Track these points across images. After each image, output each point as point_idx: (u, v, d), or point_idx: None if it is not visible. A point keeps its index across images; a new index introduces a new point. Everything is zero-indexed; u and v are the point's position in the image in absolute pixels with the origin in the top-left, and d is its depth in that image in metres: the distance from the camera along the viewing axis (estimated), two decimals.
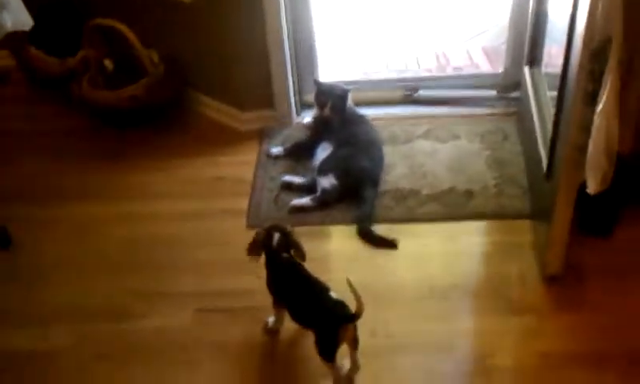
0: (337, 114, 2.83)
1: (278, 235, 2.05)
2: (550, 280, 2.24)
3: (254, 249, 2.07)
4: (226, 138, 3.06)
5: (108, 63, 3.20)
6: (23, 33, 3.39)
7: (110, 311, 2.30)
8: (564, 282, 2.24)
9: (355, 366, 2.00)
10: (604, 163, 1.97)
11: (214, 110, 3.19)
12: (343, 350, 1.95)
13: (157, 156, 2.99)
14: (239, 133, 3.09)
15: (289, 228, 2.10)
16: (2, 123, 3.27)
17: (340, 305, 1.92)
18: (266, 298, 2.26)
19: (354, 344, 1.95)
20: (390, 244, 2.46)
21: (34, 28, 3.40)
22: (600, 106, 1.91)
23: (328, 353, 1.91)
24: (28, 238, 2.61)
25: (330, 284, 2.27)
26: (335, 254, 2.53)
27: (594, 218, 2.38)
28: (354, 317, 1.88)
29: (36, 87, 3.47)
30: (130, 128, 3.13)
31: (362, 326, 2.10)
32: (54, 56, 3.32)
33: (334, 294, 1.97)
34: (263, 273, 2.34)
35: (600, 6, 1.80)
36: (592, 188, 2.00)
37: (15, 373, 2.14)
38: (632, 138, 2.24)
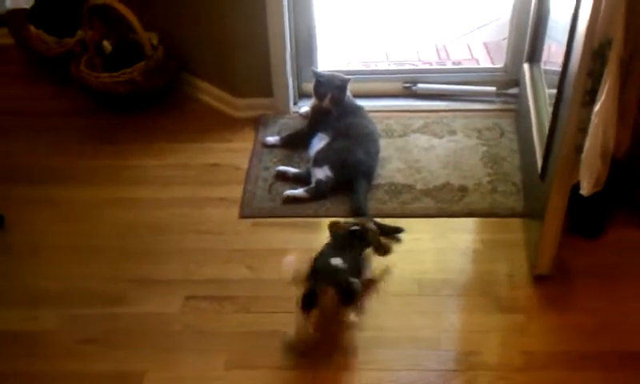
0: (336, 105, 2.82)
1: (356, 227, 2.18)
2: (539, 279, 2.24)
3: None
4: (221, 125, 3.05)
5: (107, 44, 3.18)
6: (23, 11, 3.41)
7: (99, 295, 2.30)
8: (553, 281, 2.24)
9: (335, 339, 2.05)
10: (599, 164, 1.96)
11: (211, 95, 3.18)
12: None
13: (151, 140, 2.98)
14: (235, 120, 3.07)
15: (371, 226, 2.23)
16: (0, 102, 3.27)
17: (327, 272, 1.99)
18: (255, 288, 2.29)
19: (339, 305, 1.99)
20: (396, 230, 2.46)
21: (34, 7, 3.41)
22: (598, 107, 1.90)
23: (303, 303, 1.97)
24: (20, 218, 2.61)
25: None
26: None
27: (584, 218, 2.38)
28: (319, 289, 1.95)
29: (35, 67, 3.45)
30: (126, 111, 3.12)
31: None
32: (53, 36, 3.31)
33: (337, 261, 2.02)
34: (254, 263, 2.36)
35: (602, 6, 1.79)
36: (586, 189, 2.00)
37: (1, 352, 2.14)
38: (629, 140, 2.23)
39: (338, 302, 1.97)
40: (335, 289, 1.96)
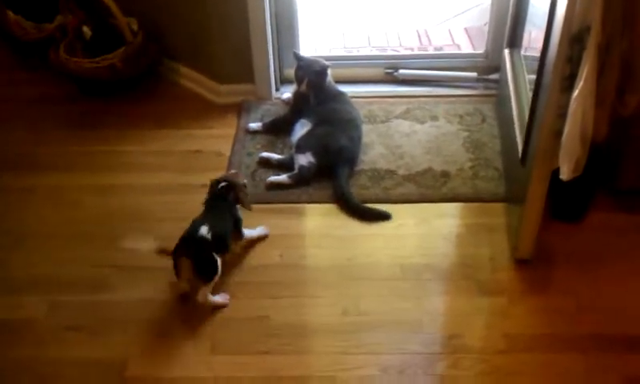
0: (314, 89, 2.82)
1: (224, 184, 2.26)
2: (521, 263, 2.27)
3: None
4: (203, 111, 3.04)
5: (86, 30, 3.15)
6: None
7: (84, 282, 2.29)
8: (534, 265, 2.27)
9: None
10: (578, 149, 1.99)
11: (193, 81, 3.16)
12: None
13: (133, 126, 2.96)
14: (217, 106, 3.06)
15: (240, 181, 2.32)
16: None
17: (190, 241, 2.12)
18: (240, 273, 2.29)
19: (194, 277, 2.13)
20: (382, 215, 2.48)
21: None
22: (576, 92, 1.92)
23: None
24: (2, 206, 2.59)
25: (305, 261, 2.31)
26: (311, 232, 2.54)
27: (565, 203, 2.41)
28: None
29: (14, 53, 3.41)
30: (107, 97, 3.10)
31: (335, 304, 2.16)
32: (32, 21, 3.27)
33: (203, 231, 2.12)
34: (237, 249, 2.37)
35: None
36: (565, 174, 2.02)
37: None
38: (607, 125, 2.26)
39: (194, 275, 2.09)
40: (191, 261, 2.08)
